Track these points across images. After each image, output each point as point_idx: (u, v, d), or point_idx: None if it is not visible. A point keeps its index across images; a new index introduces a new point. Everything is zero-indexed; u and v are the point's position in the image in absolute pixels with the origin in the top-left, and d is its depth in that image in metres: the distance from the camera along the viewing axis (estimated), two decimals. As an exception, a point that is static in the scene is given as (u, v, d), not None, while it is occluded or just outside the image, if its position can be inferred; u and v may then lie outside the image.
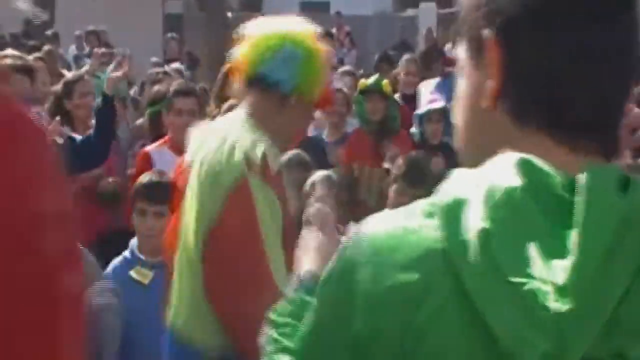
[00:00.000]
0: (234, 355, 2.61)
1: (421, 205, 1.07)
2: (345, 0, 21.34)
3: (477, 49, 1.09)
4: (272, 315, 1.39)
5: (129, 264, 3.84)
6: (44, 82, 6.19)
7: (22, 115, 1.33)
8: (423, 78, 7.81)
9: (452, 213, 1.00)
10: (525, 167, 0.99)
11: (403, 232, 1.05)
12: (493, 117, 1.08)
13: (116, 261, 3.90)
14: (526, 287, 0.94)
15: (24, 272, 1.22)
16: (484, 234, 0.97)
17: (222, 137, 2.67)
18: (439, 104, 6.17)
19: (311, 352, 1.14)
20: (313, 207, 1.59)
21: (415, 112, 6.38)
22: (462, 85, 1.14)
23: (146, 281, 3.77)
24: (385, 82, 6.58)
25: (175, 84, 5.71)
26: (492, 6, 1.07)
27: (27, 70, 5.23)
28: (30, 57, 6.60)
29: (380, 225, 1.08)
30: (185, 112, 5.00)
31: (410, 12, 22.05)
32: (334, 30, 15.97)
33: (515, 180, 0.98)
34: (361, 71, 10.25)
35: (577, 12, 1.05)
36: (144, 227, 3.85)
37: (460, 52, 1.14)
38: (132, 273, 3.78)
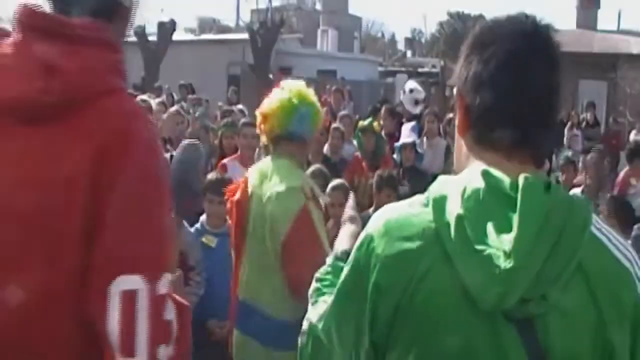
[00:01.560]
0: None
1: (419, 198, 1.07)
2: (346, 70, 21.33)
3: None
4: (317, 274, 1.37)
5: (200, 233, 3.77)
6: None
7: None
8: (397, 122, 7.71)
9: (440, 203, 1.01)
10: (486, 175, 1.00)
11: (408, 216, 1.04)
12: (466, 141, 1.11)
13: (192, 230, 3.78)
14: (486, 252, 0.95)
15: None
16: (459, 218, 0.98)
17: (278, 177, 2.59)
18: (411, 139, 6.20)
19: (346, 292, 1.12)
20: (348, 211, 1.55)
21: (395, 144, 6.37)
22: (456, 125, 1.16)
23: (213, 245, 3.70)
24: (375, 123, 6.56)
25: (243, 119, 5.76)
26: (461, 76, 1.10)
27: (149, 109, 5.31)
28: (154, 102, 6.70)
29: (392, 211, 1.08)
30: (250, 136, 5.03)
31: (389, 79, 22.11)
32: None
33: (480, 183, 1.00)
34: (357, 116, 10.25)
35: (503, 73, 1.03)
36: (211, 210, 3.78)
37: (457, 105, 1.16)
38: (203, 239, 3.71)
